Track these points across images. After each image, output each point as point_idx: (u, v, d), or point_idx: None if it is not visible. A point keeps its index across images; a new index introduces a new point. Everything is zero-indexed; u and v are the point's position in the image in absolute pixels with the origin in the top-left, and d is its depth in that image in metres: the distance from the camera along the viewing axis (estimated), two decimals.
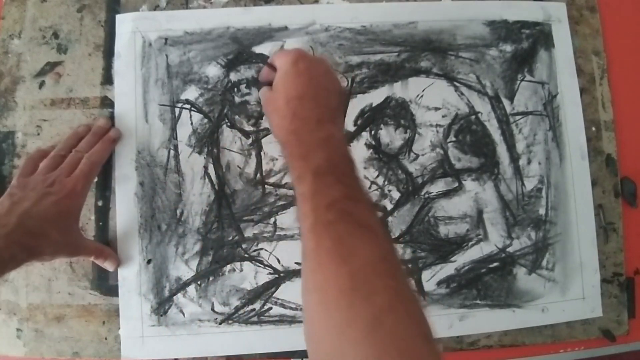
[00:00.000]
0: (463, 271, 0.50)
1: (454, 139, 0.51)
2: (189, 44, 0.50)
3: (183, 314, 0.48)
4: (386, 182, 0.50)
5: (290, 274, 0.48)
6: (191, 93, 0.50)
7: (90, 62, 0.51)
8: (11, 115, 0.50)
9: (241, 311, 0.48)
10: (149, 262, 0.48)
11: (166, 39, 0.50)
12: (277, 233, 0.49)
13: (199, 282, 0.48)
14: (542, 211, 0.51)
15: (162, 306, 0.47)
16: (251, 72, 0.50)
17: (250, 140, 0.50)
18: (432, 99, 0.51)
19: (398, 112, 0.51)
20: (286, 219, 0.49)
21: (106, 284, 0.48)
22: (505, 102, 0.52)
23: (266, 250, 0.49)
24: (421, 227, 0.50)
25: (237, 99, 0.50)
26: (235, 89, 0.50)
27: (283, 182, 0.49)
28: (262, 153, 0.50)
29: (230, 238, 0.49)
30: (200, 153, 0.49)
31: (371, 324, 0.26)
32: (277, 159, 0.50)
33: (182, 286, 0.48)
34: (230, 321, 0.48)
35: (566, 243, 0.51)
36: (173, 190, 0.49)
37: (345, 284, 0.28)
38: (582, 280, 0.51)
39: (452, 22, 0.52)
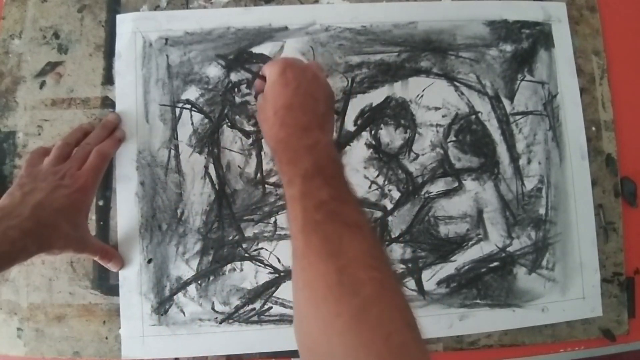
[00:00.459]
0: (463, 271, 0.50)
1: (454, 138, 0.52)
2: (190, 44, 0.50)
3: (183, 313, 0.48)
4: (386, 182, 0.50)
5: (291, 274, 0.48)
6: (192, 93, 0.50)
7: (91, 62, 0.51)
8: (12, 116, 0.50)
9: (241, 310, 0.48)
10: (149, 261, 0.48)
11: (167, 39, 0.50)
12: (277, 233, 0.49)
13: (199, 282, 0.48)
14: (542, 211, 0.51)
15: (162, 306, 0.48)
16: (251, 73, 0.50)
17: (250, 140, 0.50)
18: (432, 98, 0.52)
19: (398, 112, 0.51)
20: (286, 219, 0.49)
21: (107, 284, 0.48)
22: (505, 102, 0.52)
23: (266, 249, 0.49)
24: (421, 227, 0.50)
25: (238, 99, 0.50)
26: (236, 89, 0.50)
27: None
28: (262, 153, 0.50)
29: (230, 238, 0.49)
30: (200, 153, 0.49)
31: (357, 314, 0.27)
32: None
33: (182, 286, 0.48)
34: (230, 320, 0.48)
35: (566, 243, 0.51)
36: (174, 190, 0.49)
37: (332, 280, 0.29)
38: (582, 280, 0.51)
39: (452, 22, 0.52)
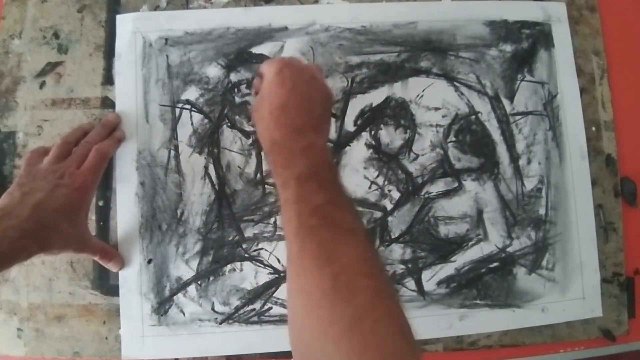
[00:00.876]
0: (463, 271, 0.50)
1: (454, 139, 0.52)
2: (190, 44, 0.50)
3: (183, 313, 0.48)
4: (386, 182, 0.50)
5: None
6: (192, 93, 0.50)
7: (91, 62, 0.51)
8: (12, 116, 0.50)
9: (241, 311, 0.48)
10: (149, 261, 0.48)
11: (167, 39, 0.50)
12: (277, 233, 0.49)
13: (199, 282, 0.48)
14: (542, 211, 0.51)
15: (162, 306, 0.48)
16: (251, 73, 0.50)
17: (250, 141, 0.50)
18: (432, 99, 0.51)
19: (398, 112, 0.51)
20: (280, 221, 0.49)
21: (107, 284, 0.48)
22: (505, 102, 0.52)
23: (266, 250, 0.49)
24: (421, 227, 0.50)
25: (238, 99, 0.50)
26: (236, 89, 0.50)
27: None
28: (262, 153, 0.50)
29: (230, 238, 0.49)
30: (200, 153, 0.49)
31: (352, 322, 0.27)
32: None
33: (182, 286, 0.48)
34: (230, 321, 0.48)
35: (566, 243, 0.51)
36: (174, 190, 0.49)
37: (327, 286, 0.29)
38: (582, 280, 0.51)
39: (452, 22, 0.52)
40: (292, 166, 0.36)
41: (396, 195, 0.50)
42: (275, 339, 0.48)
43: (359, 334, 0.27)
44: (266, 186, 0.49)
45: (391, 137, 0.51)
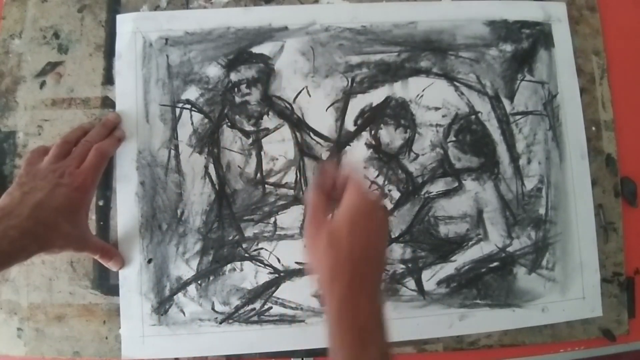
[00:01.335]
0: (463, 271, 0.50)
1: (454, 138, 0.52)
2: (190, 44, 0.50)
3: (183, 313, 0.48)
4: (386, 182, 0.50)
5: (290, 274, 0.48)
6: (192, 93, 0.50)
7: (91, 62, 0.51)
8: (12, 115, 0.50)
9: (241, 311, 0.48)
10: (149, 261, 0.48)
11: (167, 39, 0.50)
12: (277, 233, 0.49)
13: (199, 282, 0.48)
14: (542, 211, 0.51)
15: (162, 305, 0.48)
16: (251, 72, 0.50)
17: (250, 140, 0.50)
18: (432, 98, 0.51)
19: (398, 112, 0.51)
20: (286, 219, 0.49)
21: (107, 284, 0.48)
22: (505, 101, 0.52)
23: (266, 249, 0.49)
24: (421, 227, 0.50)
25: (238, 99, 0.50)
26: (236, 89, 0.50)
27: (283, 181, 0.49)
28: (262, 153, 0.50)
29: (230, 238, 0.49)
30: (200, 153, 0.49)
31: None
32: (277, 159, 0.50)
33: (182, 285, 0.48)
34: (230, 321, 0.48)
35: (566, 243, 0.51)
36: (174, 190, 0.49)
37: None
38: (582, 280, 0.51)
39: (452, 22, 0.52)
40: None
41: (396, 195, 0.50)
42: (275, 338, 0.48)
43: None
44: (266, 186, 0.49)
45: (391, 136, 0.51)
